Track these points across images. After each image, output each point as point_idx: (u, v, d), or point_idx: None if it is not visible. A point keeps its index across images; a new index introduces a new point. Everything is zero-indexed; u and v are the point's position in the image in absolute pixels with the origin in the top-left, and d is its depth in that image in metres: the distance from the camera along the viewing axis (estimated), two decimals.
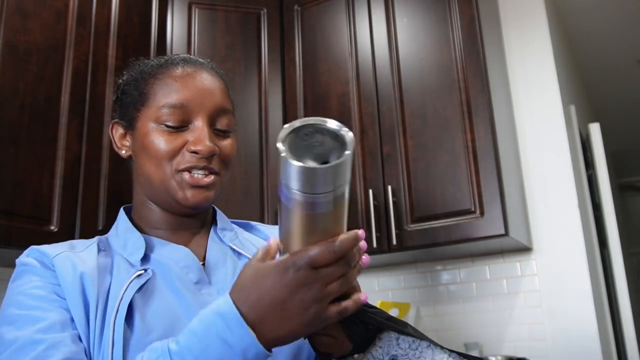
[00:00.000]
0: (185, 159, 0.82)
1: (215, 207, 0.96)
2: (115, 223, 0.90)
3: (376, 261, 2.30)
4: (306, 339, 0.70)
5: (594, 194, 2.87)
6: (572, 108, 2.63)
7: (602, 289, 2.53)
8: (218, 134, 0.86)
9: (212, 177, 0.83)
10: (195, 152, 0.82)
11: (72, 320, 0.74)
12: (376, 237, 2.03)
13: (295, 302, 0.60)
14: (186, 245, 0.86)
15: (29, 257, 0.83)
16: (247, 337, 0.59)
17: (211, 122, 0.85)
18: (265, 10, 2.45)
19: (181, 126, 0.83)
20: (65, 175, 1.70)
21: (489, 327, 2.22)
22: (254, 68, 2.37)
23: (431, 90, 2.09)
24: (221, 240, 0.89)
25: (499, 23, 2.47)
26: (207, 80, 0.88)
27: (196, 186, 0.82)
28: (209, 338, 0.60)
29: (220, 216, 0.94)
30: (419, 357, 0.67)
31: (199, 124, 0.83)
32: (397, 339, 0.70)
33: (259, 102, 2.33)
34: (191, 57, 0.92)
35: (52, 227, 1.64)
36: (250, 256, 0.84)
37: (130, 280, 0.77)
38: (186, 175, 0.82)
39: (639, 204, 5.44)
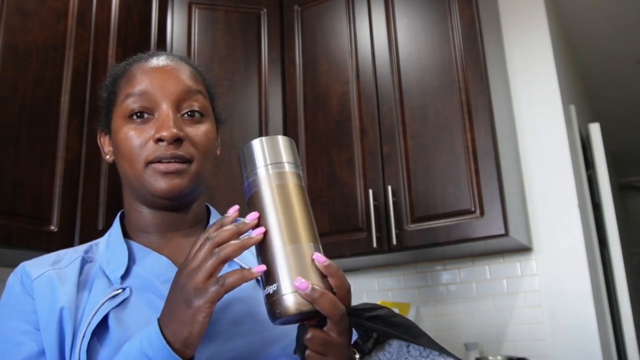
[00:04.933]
0: (152, 149, 0.79)
1: (210, 207, 0.94)
2: (110, 229, 0.89)
3: (376, 261, 2.30)
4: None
5: (594, 194, 2.87)
6: (572, 108, 2.63)
7: (602, 289, 2.53)
8: (188, 119, 0.82)
9: (183, 164, 0.80)
10: (159, 140, 0.78)
11: (44, 353, 0.74)
12: (376, 237, 2.03)
13: (177, 295, 0.63)
14: (176, 248, 0.84)
15: (15, 275, 0.81)
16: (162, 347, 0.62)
17: (177, 107, 0.82)
18: (265, 10, 2.45)
19: (147, 116, 0.81)
20: (65, 175, 1.70)
21: (489, 327, 2.22)
22: (254, 68, 2.37)
23: (431, 90, 2.09)
24: None
25: (499, 23, 2.47)
26: (170, 66, 0.84)
27: (167, 173, 0.79)
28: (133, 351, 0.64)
29: (214, 216, 0.92)
30: None
31: (163, 111, 0.80)
32: (408, 345, 0.67)
33: (259, 102, 2.33)
34: (160, 51, 0.90)
35: (52, 227, 1.64)
36: (238, 260, 0.82)
37: (101, 303, 0.75)
38: (156, 165, 0.79)
39: (639, 204, 5.44)
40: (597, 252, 2.60)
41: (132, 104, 0.81)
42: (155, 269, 0.81)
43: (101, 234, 1.75)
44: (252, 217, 0.65)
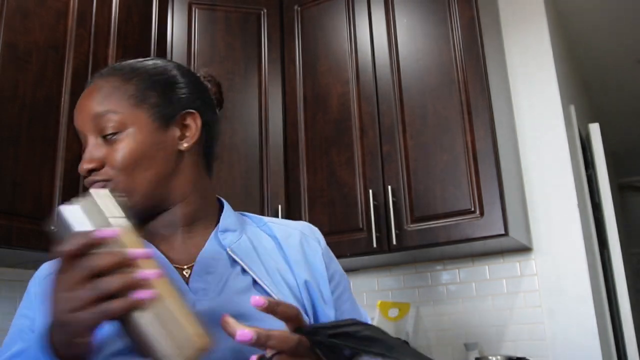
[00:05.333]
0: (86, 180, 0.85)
1: (225, 203, 0.92)
2: None
3: (376, 261, 2.30)
4: None
5: (593, 194, 2.87)
6: (572, 108, 2.63)
7: (602, 289, 2.53)
8: (108, 141, 0.83)
9: (100, 185, 0.82)
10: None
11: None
12: (376, 237, 2.03)
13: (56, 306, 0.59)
14: (185, 248, 0.84)
15: (32, 279, 0.89)
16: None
17: (97, 132, 0.84)
18: (265, 10, 2.45)
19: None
20: (65, 175, 1.70)
21: (489, 327, 2.22)
22: (254, 68, 2.37)
23: (431, 90, 2.09)
24: (220, 244, 0.84)
25: (499, 23, 2.47)
26: (87, 92, 0.86)
27: None
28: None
29: (226, 215, 0.89)
30: None
31: (86, 143, 0.86)
32: None
33: (259, 102, 2.33)
34: (94, 76, 0.90)
35: (52, 227, 1.63)
36: (242, 264, 0.81)
37: None
38: None
39: (639, 204, 5.44)
40: (597, 252, 2.60)
41: (81, 141, 0.87)
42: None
43: None
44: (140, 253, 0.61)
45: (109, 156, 0.82)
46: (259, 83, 2.36)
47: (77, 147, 1.76)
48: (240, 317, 0.74)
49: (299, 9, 2.45)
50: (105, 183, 0.81)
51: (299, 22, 2.44)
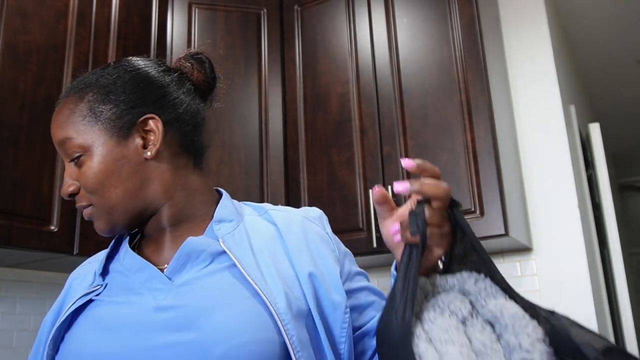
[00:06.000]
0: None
1: (224, 193, 0.90)
2: None
3: (376, 261, 2.30)
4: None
5: (594, 194, 2.87)
6: (572, 108, 2.63)
7: (602, 289, 2.53)
8: (75, 164, 0.83)
9: (89, 209, 0.84)
10: None
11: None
12: (376, 237, 2.03)
13: None
14: (170, 245, 0.84)
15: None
16: None
17: (66, 157, 0.84)
18: (265, 10, 2.45)
19: None
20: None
21: None
22: (254, 68, 2.37)
23: (431, 90, 2.09)
24: (215, 235, 0.82)
25: (499, 23, 2.46)
26: (53, 116, 0.86)
27: (89, 220, 0.86)
28: None
29: (223, 204, 0.87)
30: (487, 304, 0.61)
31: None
32: (477, 279, 0.64)
33: (259, 102, 2.33)
34: (66, 90, 0.88)
35: (52, 227, 1.63)
36: (231, 254, 0.78)
37: (73, 302, 0.81)
38: None
39: (639, 204, 5.44)
40: (597, 252, 2.60)
41: None
42: (127, 262, 0.83)
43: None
44: None
45: (80, 179, 0.82)
46: (259, 83, 2.36)
47: None
48: (201, 308, 0.73)
49: (299, 9, 2.45)
50: (90, 208, 0.83)
51: (299, 22, 2.44)
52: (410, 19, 2.21)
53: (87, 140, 0.81)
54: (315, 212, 0.90)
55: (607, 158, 2.99)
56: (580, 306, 2.09)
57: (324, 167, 2.23)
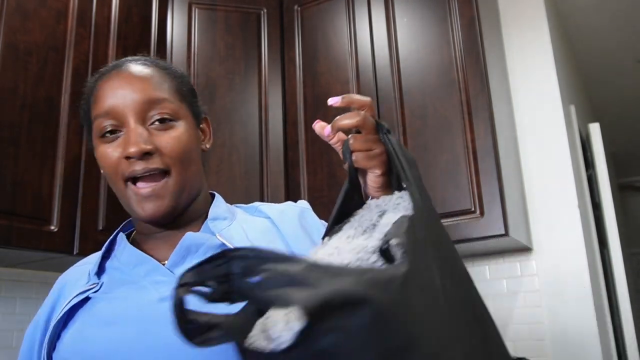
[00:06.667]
0: (124, 166, 0.78)
1: (216, 195, 0.93)
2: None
3: None
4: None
5: (594, 194, 2.87)
6: (572, 108, 2.63)
7: (602, 289, 2.53)
8: (157, 127, 0.80)
9: (159, 182, 0.78)
10: (128, 157, 0.77)
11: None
12: None
13: None
14: (176, 240, 0.84)
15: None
16: None
17: (142, 119, 0.80)
18: (265, 10, 2.45)
19: (115, 133, 0.80)
20: (65, 175, 1.70)
21: None
22: (254, 68, 2.37)
23: (431, 90, 2.09)
24: (211, 231, 0.84)
25: (499, 23, 2.46)
26: (130, 77, 0.82)
27: (147, 197, 0.78)
28: None
29: (216, 205, 0.90)
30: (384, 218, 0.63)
31: (129, 126, 0.79)
32: (401, 196, 0.65)
33: (259, 102, 2.33)
34: (122, 59, 0.87)
35: (52, 227, 1.63)
36: (229, 245, 0.80)
37: (68, 301, 0.80)
38: (135, 187, 0.79)
39: (639, 204, 5.44)
40: (597, 252, 2.60)
41: (101, 124, 0.80)
42: (124, 258, 0.83)
43: (101, 233, 1.75)
44: None
45: (163, 143, 0.79)
46: (259, 83, 2.36)
47: (77, 147, 1.76)
48: None
49: (299, 9, 2.45)
50: (163, 181, 0.79)
51: (299, 22, 2.44)
52: (410, 19, 2.21)
53: (179, 111, 0.83)
54: (305, 202, 0.95)
55: (607, 158, 2.99)
56: (580, 306, 2.09)
57: (324, 167, 2.23)
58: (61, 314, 0.78)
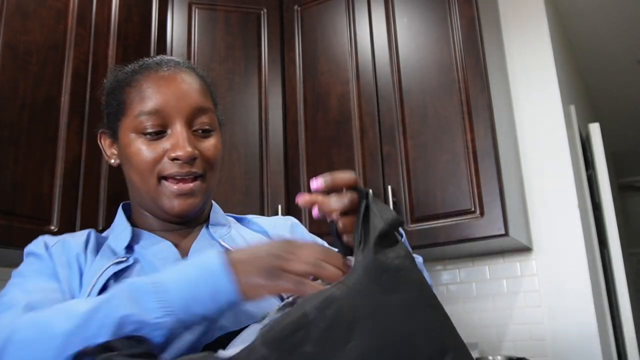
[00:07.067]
0: (167, 166, 0.81)
1: (213, 202, 0.96)
2: (114, 220, 0.93)
3: None
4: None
5: (594, 194, 2.87)
6: (572, 108, 2.63)
7: (602, 289, 2.53)
8: (199, 135, 0.84)
9: (197, 182, 0.82)
10: (175, 159, 0.80)
11: (63, 291, 0.77)
12: None
13: (262, 256, 0.64)
14: (179, 242, 0.87)
15: (37, 245, 0.84)
16: (224, 277, 0.62)
17: (189, 124, 0.83)
18: (265, 10, 2.45)
19: (159, 132, 0.82)
20: (65, 175, 1.70)
21: (489, 327, 2.22)
22: (254, 68, 2.37)
23: (431, 90, 2.09)
24: (212, 236, 0.88)
25: (499, 23, 2.46)
26: (181, 81, 0.84)
27: (181, 194, 0.81)
28: (190, 267, 0.64)
29: (215, 212, 0.93)
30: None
31: (177, 129, 0.81)
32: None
33: (259, 102, 2.33)
34: (165, 58, 0.89)
35: (52, 227, 1.63)
36: (224, 243, 0.86)
37: (107, 266, 0.78)
38: (170, 183, 0.81)
39: (639, 204, 5.44)
40: (597, 252, 2.60)
41: (146, 121, 0.81)
42: (155, 248, 0.83)
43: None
44: None
45: (204, 151, 0.84)
46: (259, 83, 2.36)
47: (77, 147, 1.76)
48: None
49: (299, 9, 2.45)
50: (199, 181, 0.83)
51: (299, 22, 2.44)
52: (410, 19, 2.21)
53: (215, 121, 0.87)
54: (292, 218, 1.00)
55: (607, 158, 2.99)
56: (580, 306, 2.09)
57: (324, 167, 2.23)
58: (99, 280, 0.77)
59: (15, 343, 0.61)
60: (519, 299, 2.18)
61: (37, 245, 0.83)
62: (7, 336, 0.61)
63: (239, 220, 0.98)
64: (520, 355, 2.10)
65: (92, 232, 0.87)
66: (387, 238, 0.62)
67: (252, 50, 2.38)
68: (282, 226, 0.96)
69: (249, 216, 0.99)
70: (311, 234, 0.98)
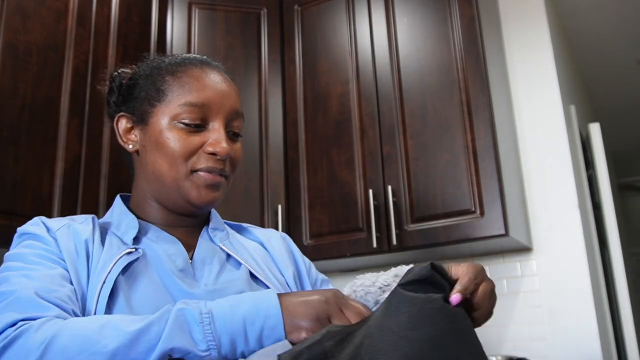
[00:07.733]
0: (202, 159, 0.83)
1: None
2: (111, 208, 0.91)
3: (376, 261, 2.29)
4: None
5: (594, 194, 2.86)
6: (572, 108, 2.63)
7: (602, 289, 2.53)
8: (231, 137, 0.87)
9: (222, 178, 0.86)
10: (213, 154, 0.83)
11: (70, 279, 0.75)
12: (376, 237, 2.03)
13: (315, 303, 0.68)
14: (181, 238, 0.88)
15: (37, 225, 0.83)
16: (273, 308, 0.67)
17: (227, 125, 0.86)
18: (265, 10, 2.45)
19: (198, 126, 0.84)
20: (65, 175, 1.70)
21: (489, 327, 2.21)
22: (254, 68, 2.37)
23: (431, 90, 2.09)
24: (212, 239, 0.90)
25: (499, 23, 2.46)
26: (225, 83, 0.89)
27: (210, 185, 0.84)
28: (241, 300, 0.68)
29: (214, 216, 0.96)
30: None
31: (217, 126, 0.85)
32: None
33: (259, 102, 2.33)
34: (207, 58, 0.92)
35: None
36: (238, 258, 0.88)
37: (120, 256, 0.78)
38: (204, 174, 0.83)
39: (639, 204, 5.44)
40: (597, 252, 2.60)
41: (190, 113, 0.83)
42: (163, 243, 0.85)
43: None
44: None
45: (234, 153, 0.87)
46: (259, 83, 2.36)
47: (77, 147, 1.76)
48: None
49: (299, 9, 2.45)
50: (224, 178, 0.86)
51: (299, 22, 2.44)
52: (410, 19, 2.21)
53: (242, 128, 0.92)
54: (283, 233, 1.05)
55: (607, 158, 2.99)
56: (580, 306, 2.09)
57: (324, 167, 2.23)
58: (111, 273, 0.76)
59: (56, 352, 0.62)
60: (519, 299, 2.18)
61: (36, 225, 0.83)
62: (49, 342, 0.62)
63: (235, 227, 1.00)
64: (520, 355, 2.10)
65: (95, 218, 0.87)
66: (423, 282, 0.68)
67: (252, 50, 2.38)
68: (275, 239, 1.00)
69: (245, 225, 1.02)
70: (298, 249, 1.04)
